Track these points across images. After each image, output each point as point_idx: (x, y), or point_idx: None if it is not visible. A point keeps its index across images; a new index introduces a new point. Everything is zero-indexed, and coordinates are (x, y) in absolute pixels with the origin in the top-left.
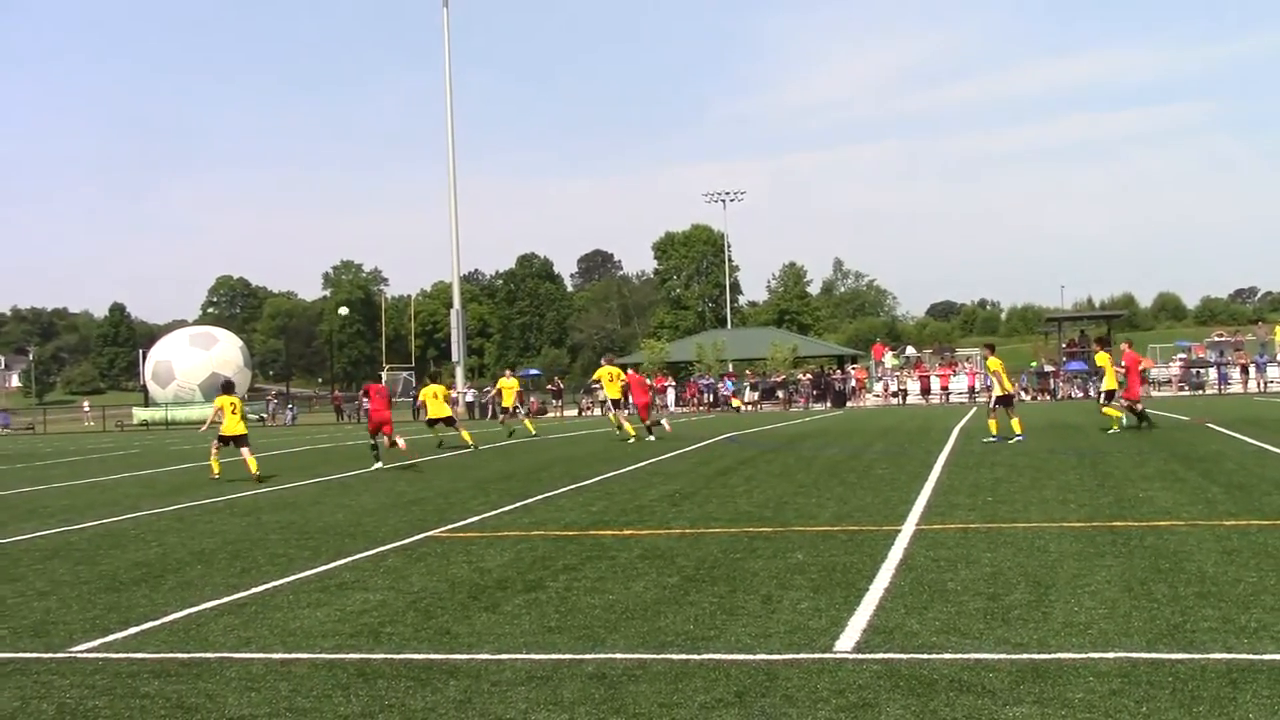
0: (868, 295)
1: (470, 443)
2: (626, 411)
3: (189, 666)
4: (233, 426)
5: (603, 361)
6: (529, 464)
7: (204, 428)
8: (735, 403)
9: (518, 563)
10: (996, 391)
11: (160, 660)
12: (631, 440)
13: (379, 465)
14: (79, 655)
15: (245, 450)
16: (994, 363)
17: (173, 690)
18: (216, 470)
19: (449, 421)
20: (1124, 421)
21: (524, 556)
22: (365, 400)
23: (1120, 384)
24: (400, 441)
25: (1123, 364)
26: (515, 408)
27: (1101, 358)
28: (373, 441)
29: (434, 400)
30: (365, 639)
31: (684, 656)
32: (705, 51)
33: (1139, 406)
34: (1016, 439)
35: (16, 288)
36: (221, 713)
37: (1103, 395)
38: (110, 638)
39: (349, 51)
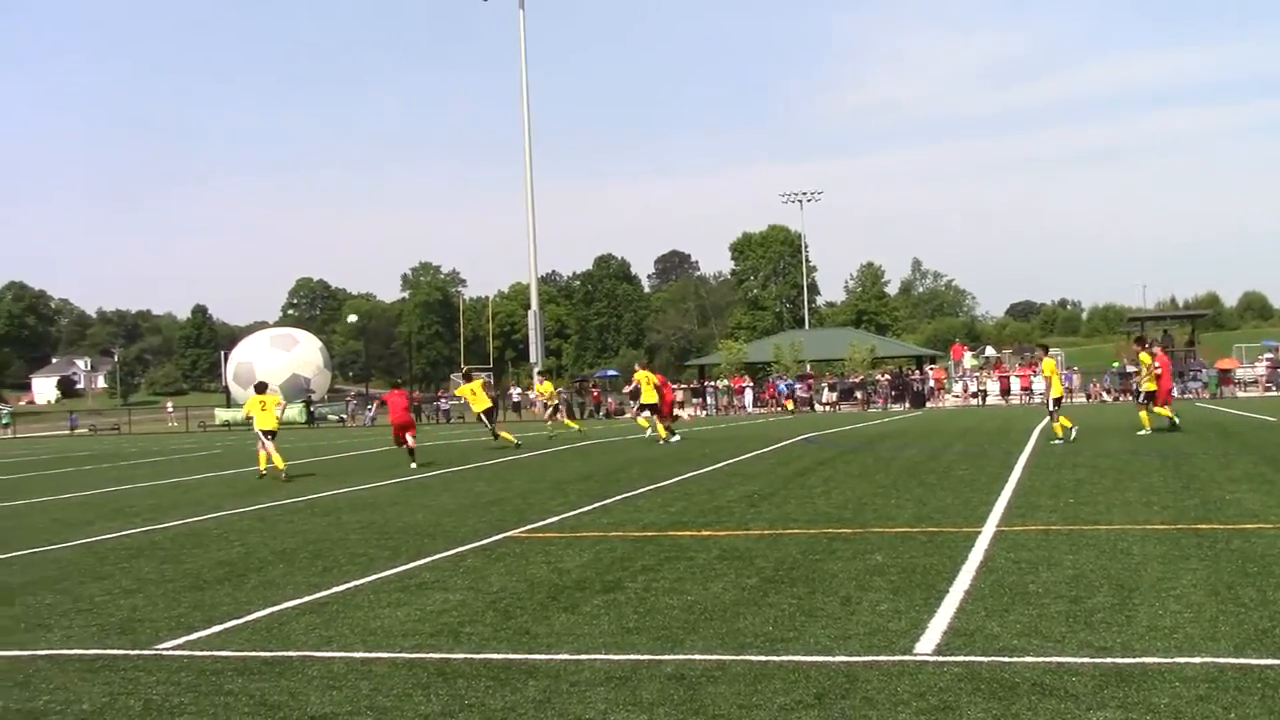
0: (946, 295)
1: (512, 441)
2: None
3: (271, 665)
4: (264, 423)
5: (637, 367)
6: (607, 465)
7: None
8: (789, 405)
9: (596, 563)
10: (1053, 394)
11: (243, 658)
12: (669, 440)
13: (414, 466)
14: (165, 653)
15: (270, 445)
16: (1049, 364)
17: (256, 688)
18: (263, 467)
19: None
20: (1161, 424)
21: (603, 557)
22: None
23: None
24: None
25: (1157, 366)
26: (555, 408)
27: (1144, 358)
28: (407, 447)
29: (472, 396)
30: (445, 638)
31: (763, 658)
32: (781, 51)
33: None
34: (1057, 441)
35: (102, 291)
36: (304, 711)
37: (1141, 396)
38: (195, 635)
39: (428, 53)
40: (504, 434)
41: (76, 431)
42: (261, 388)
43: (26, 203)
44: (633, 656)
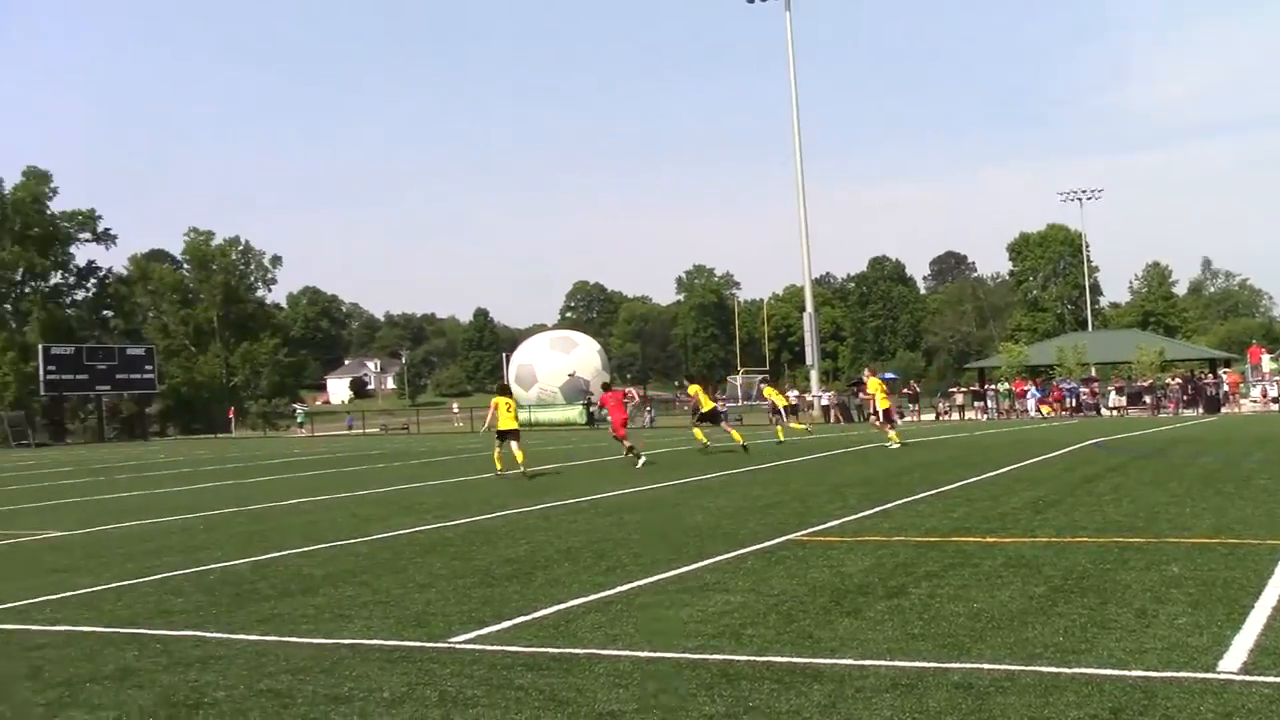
0: (1240, 295)
1: (704, 442)
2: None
3: (559, 661)
4: (506, 423)
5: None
6: (886, 469)
7: (484, 429)
8: (1044, 409)
9: (879, 568)
10: None
11: (532, 654)
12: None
13: (643, 459)
14: (457, 646)
15: (514, 444)
16: None
17: (545, 683)
18: (499, 465)
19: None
20: None
21: (885, 562)
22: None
23: None
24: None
25: None
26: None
27: None
28: (628, 445)
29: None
30: (727, 640)
31: (1054, 669)
32: (1057, 47)
33: None
34: None
35: (390, 296)
36: (591, 707)
37: None
38: (485, 630)
39: (701, 54)
40: (698, 433)
41: (352, 431)
42: (504, 390)
43: (322, 210)
44: (918, 664)
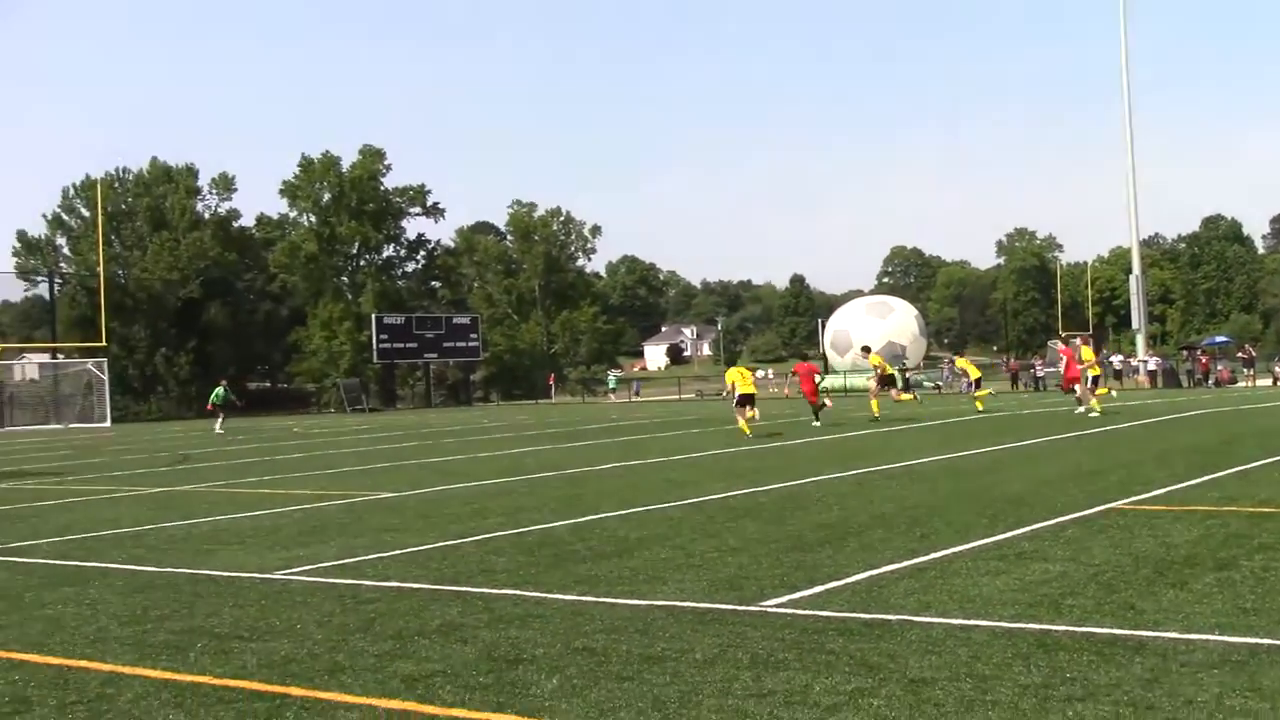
0: None
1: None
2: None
3: (871, 626)
4: (745, 388)
5: (727, 367)
6: (1215, 436)
7: (724, 395)
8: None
9: (1207, 539)
10: None
11: (843, 619)
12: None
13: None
14: (769, 609)
15: (748, 408)
16: None
17: (856, 649)
18: (746, 430)
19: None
20: None
21: (1214, 533)
22: (794, 378)
23: None
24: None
25: None
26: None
27: None
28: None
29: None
30: (1045, 610)
31: None
32: None
33: None
34: None
35: (707, 262)
36: (903, 674)
37: None
38: (797, 595)
39: (1022, 13)
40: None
41: (640, 398)
42: (733, 361)
43: (641, 179)
44: (1250, 640)
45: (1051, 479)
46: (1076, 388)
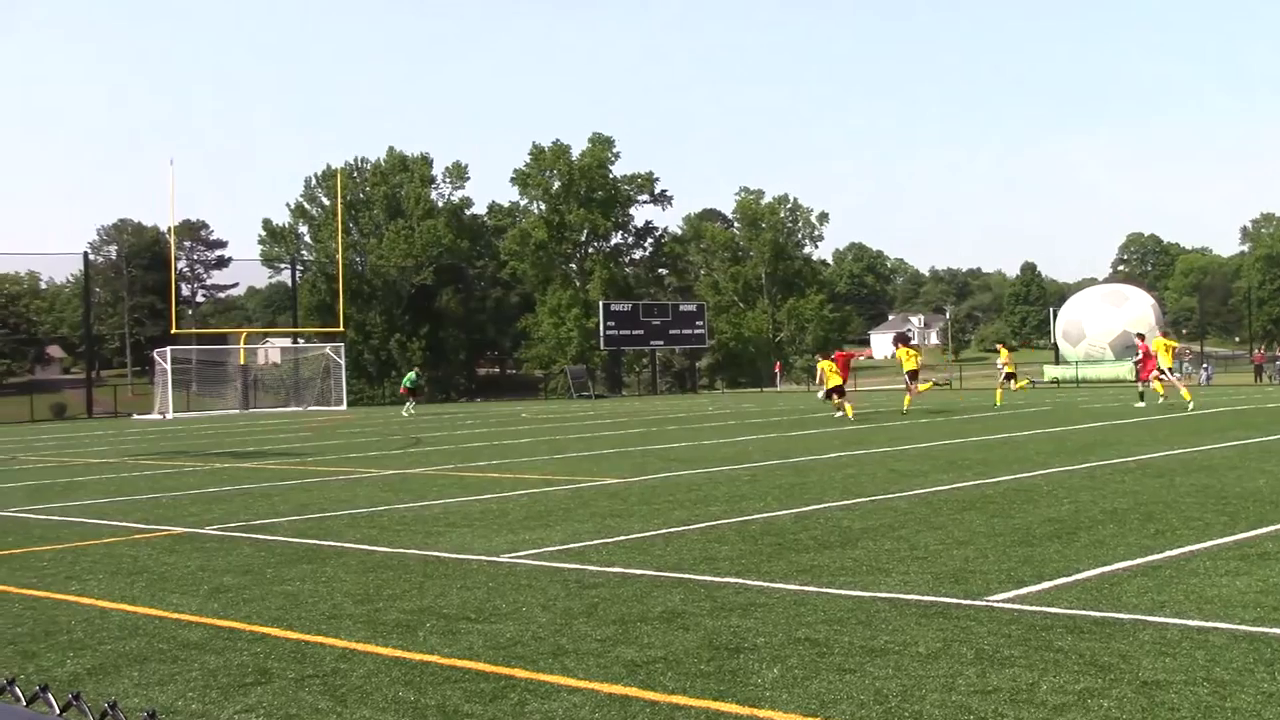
0: None
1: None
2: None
3: (1101, 625)
4: (832, 380)
5: (818, 357)
6: None
7: (816, 384)
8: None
9: None
10: None
11: (1072, 616)
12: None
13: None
14: (995, 604)
15: (836, 396)
16: None
17: (1085, 647)
18: (850, 413)
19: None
20: None
21: None
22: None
23: None
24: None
25: None
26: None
27: None
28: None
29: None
30: None
31: None
32: None
33: None
34: None
35: (935, 251)
36: (1135, 675)
37: None
38: (1024, 590)
39: None
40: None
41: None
42: (823, 354)
43: (869, 166)
44: None
45: None
46: None
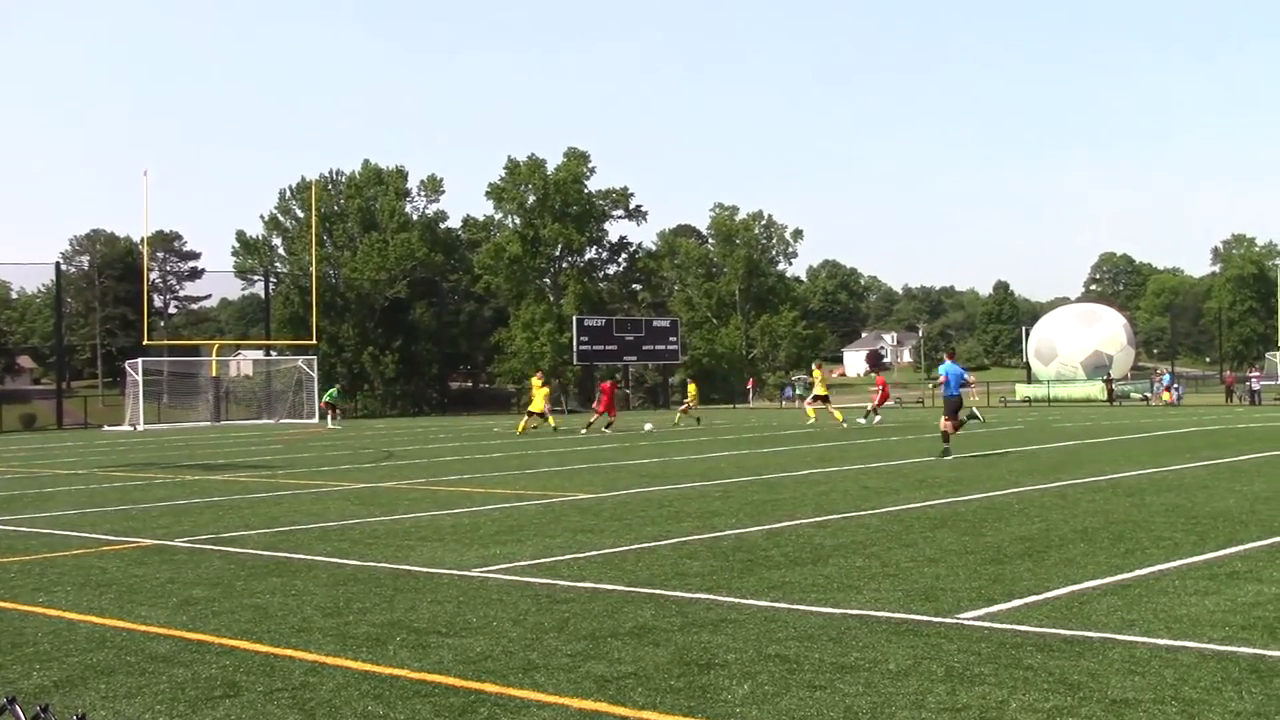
0: None
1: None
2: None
3: (1071, 643)
4: (821, 389)
5: (815, 365)
6: None
7: (809, 400)
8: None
9: None
10: None
11: (1042, 634)
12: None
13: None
14: (965, 622)
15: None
16: None
17: (1055, 665)
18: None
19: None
20: None
21: None
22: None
23: None
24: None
25: None
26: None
27: None
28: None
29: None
30: (1259, 633)
31: None
32: None
33: None
34: None
35: (907, 268)
36: (1104, 694)
37: None
38: (994, 608)
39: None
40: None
41: (787, 404)
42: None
43: (844, 184)
44: None
45: (1267, 496)
46: None
